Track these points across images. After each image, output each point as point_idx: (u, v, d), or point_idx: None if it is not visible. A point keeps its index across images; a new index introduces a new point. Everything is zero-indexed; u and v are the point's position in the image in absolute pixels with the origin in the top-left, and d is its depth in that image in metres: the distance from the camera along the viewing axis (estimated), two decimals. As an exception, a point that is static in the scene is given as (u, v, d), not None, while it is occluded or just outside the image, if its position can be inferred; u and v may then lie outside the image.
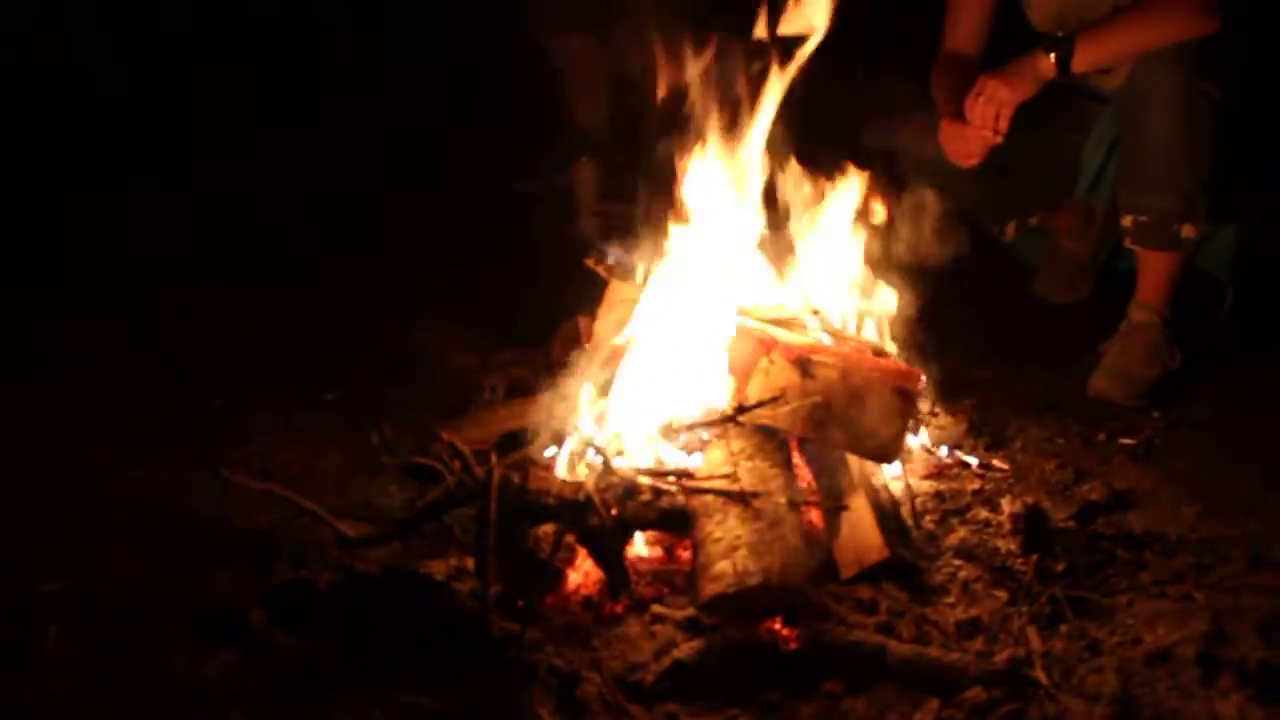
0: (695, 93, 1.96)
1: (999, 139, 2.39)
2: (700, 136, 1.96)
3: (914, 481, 2.02)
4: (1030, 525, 1.88)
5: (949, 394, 2.29)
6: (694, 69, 1.97)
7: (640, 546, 1.79)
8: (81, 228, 3.33)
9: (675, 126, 1.95)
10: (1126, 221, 2.40)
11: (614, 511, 1.71)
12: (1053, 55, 2.31)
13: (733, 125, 2.00)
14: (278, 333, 2.66)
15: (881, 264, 2.16)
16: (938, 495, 2.03)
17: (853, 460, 1.92)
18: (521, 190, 3.25)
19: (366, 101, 3.96)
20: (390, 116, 3.88)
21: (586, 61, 3.17)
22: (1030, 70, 2.33)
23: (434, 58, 3.96)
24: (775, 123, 2.06)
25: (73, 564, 1.75)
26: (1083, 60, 2.31)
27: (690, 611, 1.63)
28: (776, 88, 2.02)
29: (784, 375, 1.87)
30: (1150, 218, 2.36)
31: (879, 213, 2.16)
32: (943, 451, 2.16)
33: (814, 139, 2.16)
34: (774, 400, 1.82)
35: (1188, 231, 2.36)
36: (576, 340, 2.17)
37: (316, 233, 3.25)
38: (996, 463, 2.13)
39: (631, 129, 2.59)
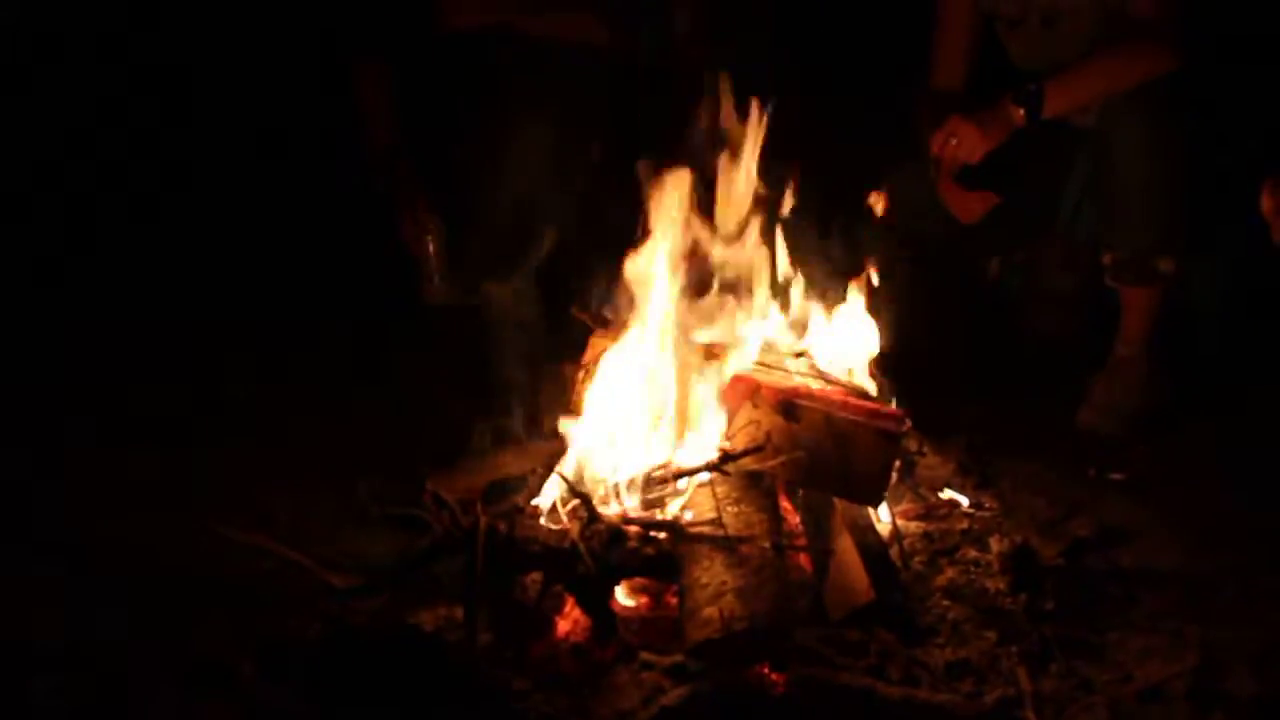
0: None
1: (999, 200, 2.43)
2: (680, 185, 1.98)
3: (902, 522, 2.02)
4: (1019, 564, 1.88)
5: (937, 433, 2.29)
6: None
7: (627, 594, 1.79)
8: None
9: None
10: (1105, 259, 2.43)
11: (599, 559, 1.72)
12: (1021, 110, 2.34)
13: (713, 171, 2.02)
14: (264, 383, 2.69)
15: (866, 305, 2.17)
16: (926, 535, 2.02)
17: (840, 502, 1.93)
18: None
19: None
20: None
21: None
22: (1001, 120, 2.36)
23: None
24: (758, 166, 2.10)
25: (58, 615, 1.75)
26: (1052, 108, 2.34)
27: (678, 658, 1.62)
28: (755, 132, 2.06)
29: (768, 419, 1.89)
30: (1127, 254, 2.39)
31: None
32: (932, 491, 2.16)
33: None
34: (759, 450, 1.83)
35: (1166, 265, 2.38)
36: (563, 388, 2.18)
37: (302, 287, 3.27)
38: (985, 501, 2.13)
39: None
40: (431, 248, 2.86)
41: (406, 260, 2.89)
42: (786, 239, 2.13)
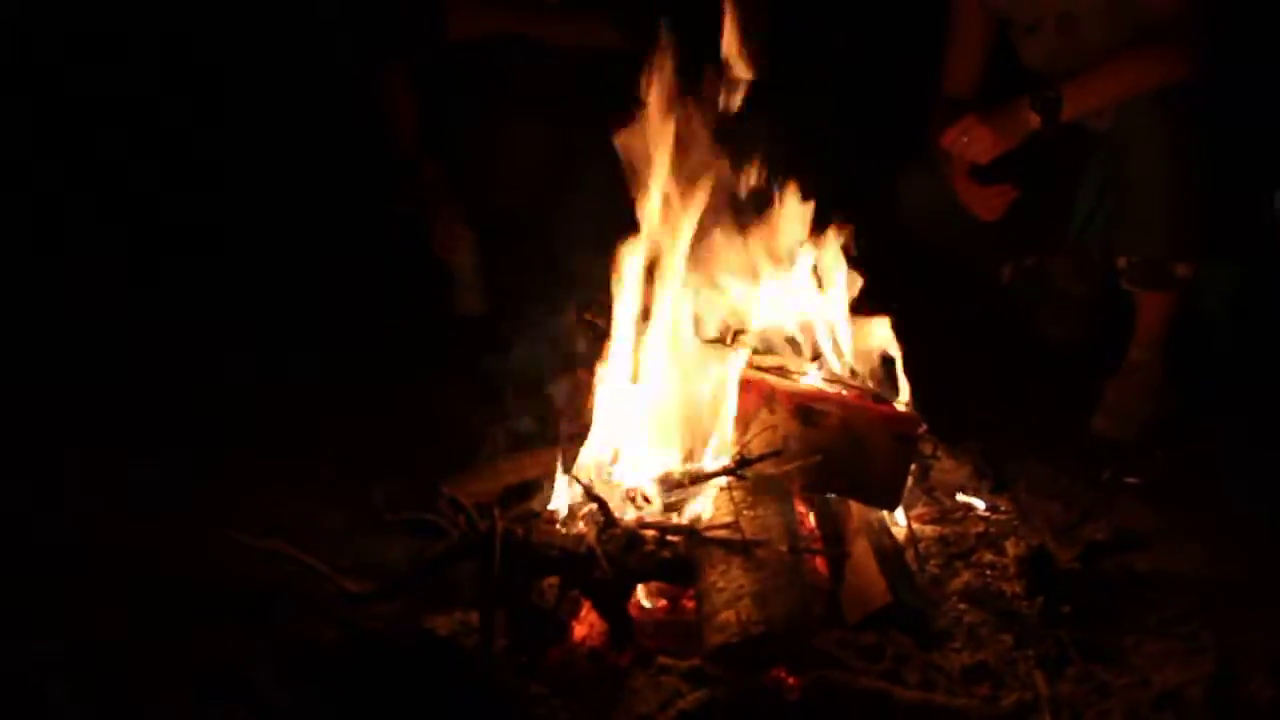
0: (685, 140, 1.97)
1: (1017, 192, 2.42)
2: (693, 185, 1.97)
3: (918, 526, 2.02)
4: (1035, 567, 1.88)
5: (951, 437, 2.28)
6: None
7: (644, 598, 1.78)
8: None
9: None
10: (1121, 263, 2.42)
11: (617, 563, 1.70)
12: (1039, 114, 2.32)
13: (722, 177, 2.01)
14: (278, 390, 2.67)
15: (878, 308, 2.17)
16: (942, 539, 2.02)
17: (855, 505, 1.92)
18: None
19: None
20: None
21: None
22: (1017, 123, 2.35)
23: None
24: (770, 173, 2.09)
25: (71, 620, 1.73)
26: (1070, 111, 2.32)
27: (695, 662, 1.62)
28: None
29: (785, 423, 1.88)
30: (1143, 258, 2.38)
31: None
32: (947, 495, 2.15)
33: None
34: (776, 454, 1.82)
35: (1182, 270, 2.37)
36: (577, 392, 2.17)
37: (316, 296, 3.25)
38: (1000, 505, 2.13)
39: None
40: (464, 257, 2.83)
41: (423, 266, 2.87)
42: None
